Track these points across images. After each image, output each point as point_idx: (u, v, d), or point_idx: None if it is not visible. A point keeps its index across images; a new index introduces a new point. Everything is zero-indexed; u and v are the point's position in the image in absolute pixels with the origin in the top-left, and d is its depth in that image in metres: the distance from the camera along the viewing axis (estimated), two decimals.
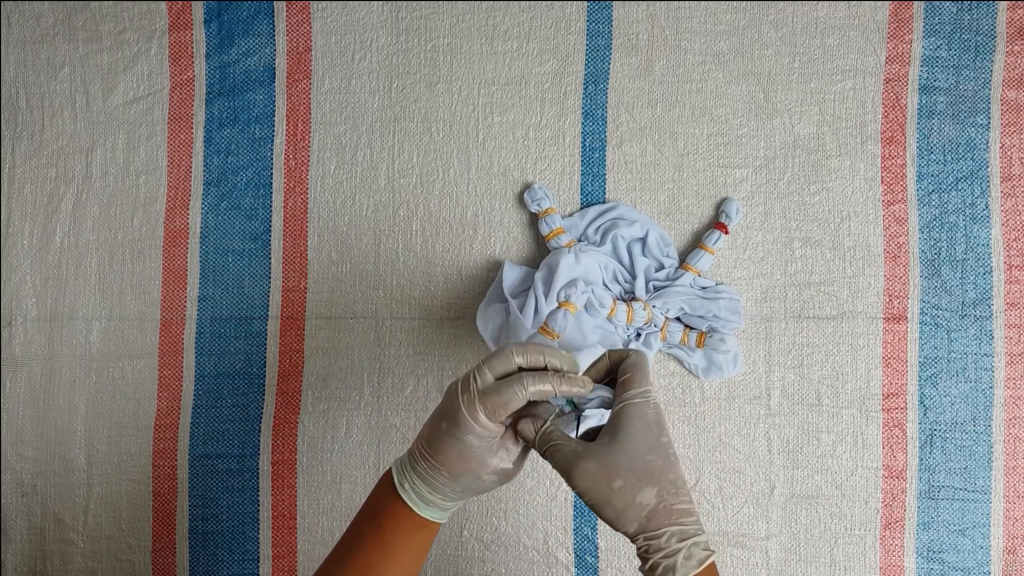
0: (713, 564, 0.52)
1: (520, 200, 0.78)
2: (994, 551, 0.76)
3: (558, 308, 0.72)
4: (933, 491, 0.76)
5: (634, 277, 0.75)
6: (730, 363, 0.76)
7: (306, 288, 0.80)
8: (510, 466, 0.56)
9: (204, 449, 0.80)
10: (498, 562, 0.78)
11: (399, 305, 0.79)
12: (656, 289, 0.75)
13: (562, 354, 0.55)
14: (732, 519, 0.77)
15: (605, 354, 0.57)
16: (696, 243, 0.77)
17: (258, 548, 0.79)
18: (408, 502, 0.55)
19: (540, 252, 0.78)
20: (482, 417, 0.53)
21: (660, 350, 0.76)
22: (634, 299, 0.75)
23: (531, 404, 0.55)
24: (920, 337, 0.76)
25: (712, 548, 0.53)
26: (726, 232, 0.76)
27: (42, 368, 0.81)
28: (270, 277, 0.80)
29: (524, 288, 0.76)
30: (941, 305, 0.76)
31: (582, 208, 0.78)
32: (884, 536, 0.76)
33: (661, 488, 0.51)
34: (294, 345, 0.80)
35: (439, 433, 0.54)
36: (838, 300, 0.77)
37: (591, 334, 0.72)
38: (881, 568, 0.76)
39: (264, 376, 0.80)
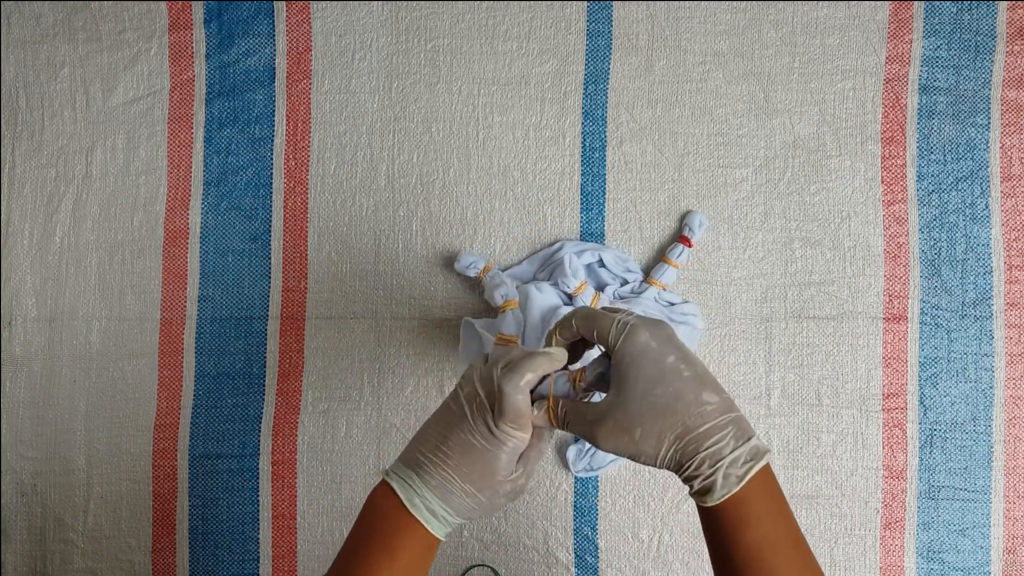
0: (763, 470, 0.49)
1: (520, 201, 0.78)
2: (994, 551, 0.76)
3: (504, 311, 0.72)
4: (933, 491, 0.76)
5: (602, 288, 0.75)
6: None
7: (306, 288, 0.80)
8: (524, 481, 0.54)
9: (204, 449, 0.80)
10: (498, 562, 0.78)
11: (399, 305, 0.79)
12: (621, 298, 0.75)
13: (541, 351, 0.54)
14: None
15: (557, 325, 0.54)
16: (661, 256, 0.77)
17: (258, 548, 0.79)
18: (422, 520, 0.52)
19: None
20: (509, 429, 0.51)
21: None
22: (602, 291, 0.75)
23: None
24: (920, 337, 0.76)
25: (760, 450, 0.49)
26: (690, 245, 0.76)
27: (42, 368, 0.81)
28: (270, 277, 0.80)
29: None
30: (941, 305, 0.76)
31: (528, 256, 0.78)
32: (884, 536, 0.76)
33: (681, 417, 0.48)
34: (294, 345, 0.80)
35: (468, 446, 0.52)
36: (838, 300, 0.77)
37: (542, 312, 0.71)
38: (881, 568, 0.76)
39: (264, 376, 0.80)
